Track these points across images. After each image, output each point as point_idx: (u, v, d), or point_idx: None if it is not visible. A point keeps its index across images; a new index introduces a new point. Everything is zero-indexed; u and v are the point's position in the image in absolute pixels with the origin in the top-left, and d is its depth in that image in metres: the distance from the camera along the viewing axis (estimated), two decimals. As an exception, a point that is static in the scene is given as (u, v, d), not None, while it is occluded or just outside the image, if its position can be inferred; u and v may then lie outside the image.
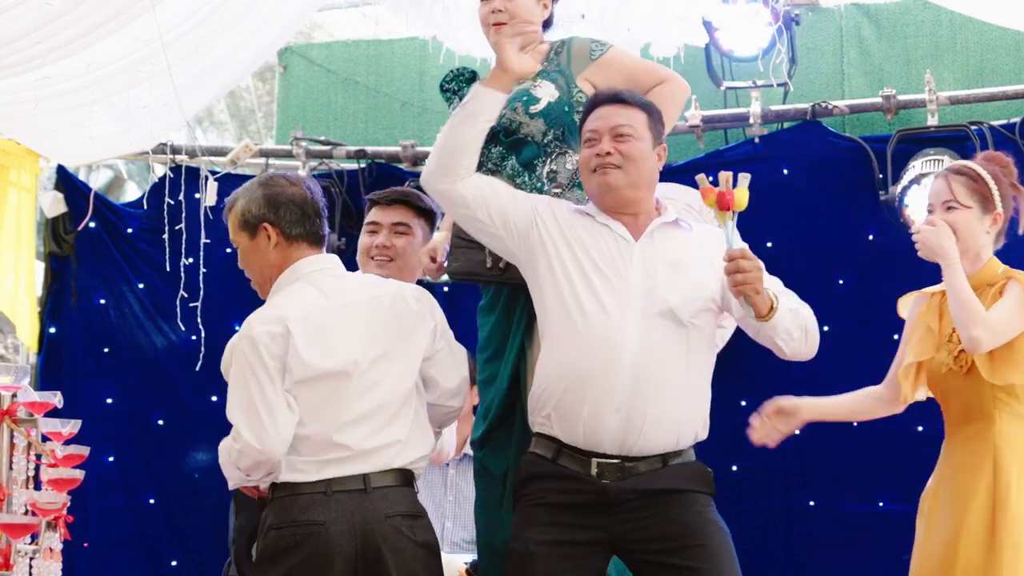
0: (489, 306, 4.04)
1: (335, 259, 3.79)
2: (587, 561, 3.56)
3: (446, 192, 3.74)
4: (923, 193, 5.75)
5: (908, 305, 4.37)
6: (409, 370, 3.67)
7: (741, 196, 3.50)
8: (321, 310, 3.59)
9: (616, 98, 3.70)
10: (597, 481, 3.55)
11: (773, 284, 3.64)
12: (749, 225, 6.11)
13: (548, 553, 3.53)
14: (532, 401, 3.70)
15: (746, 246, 3.48)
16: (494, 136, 3.91)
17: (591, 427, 3.55)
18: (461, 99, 3.89)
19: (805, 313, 3.66)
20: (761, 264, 3.50)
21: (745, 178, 3.51)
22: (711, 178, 3.52)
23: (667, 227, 3.71)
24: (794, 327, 3.59)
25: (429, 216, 4.41)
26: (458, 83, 4.13)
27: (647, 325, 3.56)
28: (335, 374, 3.54)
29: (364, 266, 4.38)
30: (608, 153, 3.62)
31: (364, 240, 4.42)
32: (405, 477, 3.62)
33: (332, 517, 3.43)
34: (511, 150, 3.93)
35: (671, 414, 3.56)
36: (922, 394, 4.30)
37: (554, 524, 3.56)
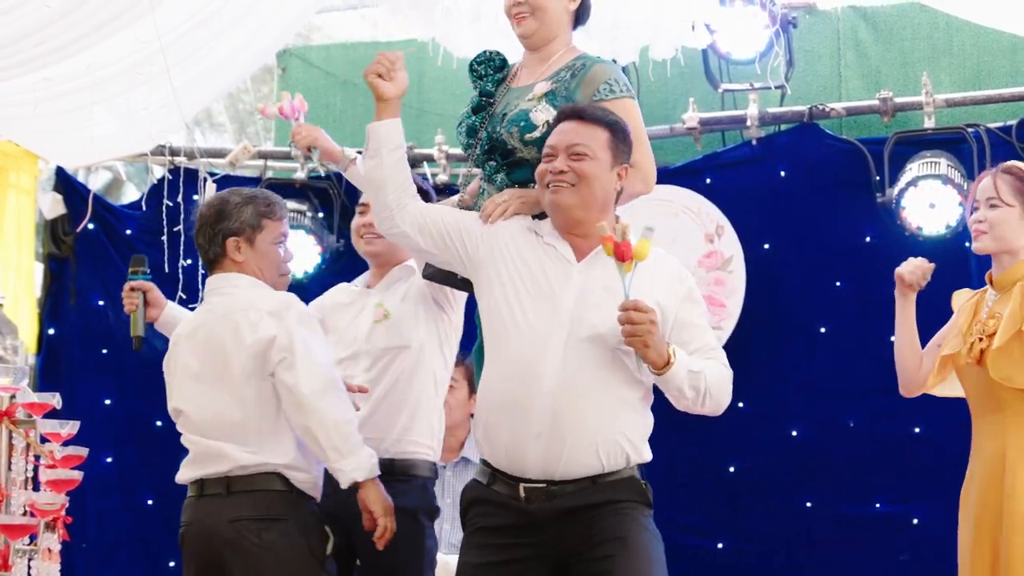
0: None
1: (213, 281, 4.03)
2: None
3: (388, 229, 3.77)
4: (920, 195, 5.76)
5: (960, 299, 4.35)
6: (234, 395, 3.83)
7: (643, 248, 3.43)
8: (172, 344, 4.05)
9: (578, 114, 3.63)
10: (525, 505, 3.54)
11: (703, 338, 3.62)
12: (747, 227, 6.19)
13: (486, 567, 3.56)
14: (473, 423, 3.74)
15: (641, 300, 3.41)
16: (491, 150, 3.90)
17: (513, 453, 3.54)
18: (481, 78, 3.98)
19: (711, 375, 3.58)
20: (654, 318, 3.42)
21: (650, 231, 3.47)
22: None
23: None
24: (688, 388, 3.52)
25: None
26: (486, 67, 4.07)
27: (572, 350, 3.52)
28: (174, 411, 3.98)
29: (356, 245, 4.47)
30: (562, 171, 3.56)
31: (354, 221, 4.46)
32: (253, 483, 3.80)
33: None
34: (502, 167, 3.91)
35: (594, 440, 3.51)
36: (939, 390, 4.29)
37: (488, 546, 3.58)
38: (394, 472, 4.17)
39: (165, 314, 4.35)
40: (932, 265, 4.26)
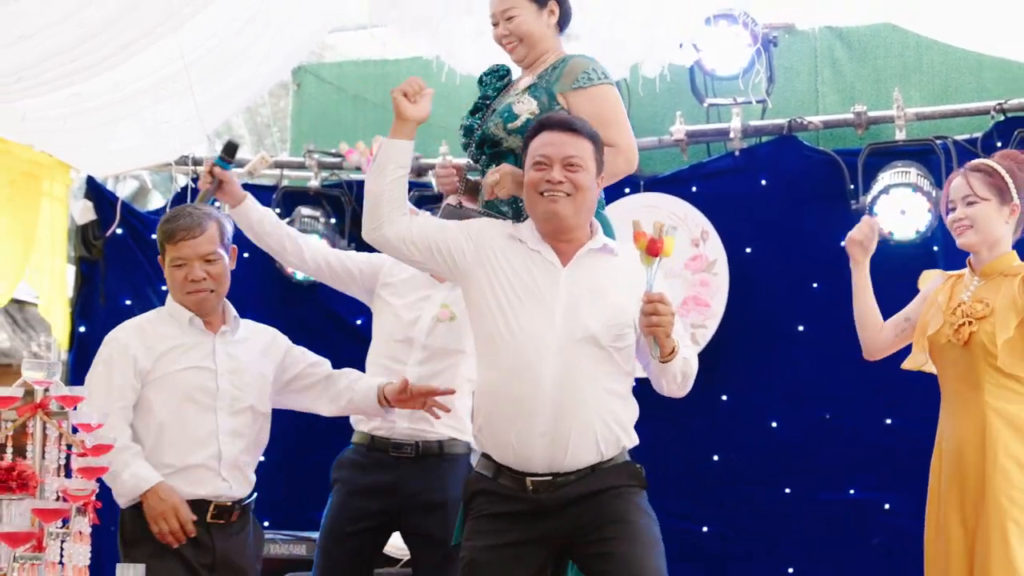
0: None
1: None
2: (525, 559, 3.58)
3: (374, 238, 3.74)
4: (892, 202, 5.78)
5: (930, 279, 4.38)
6: None
7: (669, 245, 3.46)
8: None
9: (569, 126, 3.63)
10: (532, 495, 3.57)
11: (678, 328, 3.63)
12: (730, 232, 6.19)
13: (488, 557, 3.58)
14: (472, 419, 3.74)
15: (664, 292, 3.46)
16: (482, 144, 3.92)
17: (520, 451, 3.56)
18: (487, 89, 4.01)
19: (692, 361, 3.65)
20: (675, 311, 3.48)
21: (673, 230, 3.49)
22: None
23: (595, 253, 3.66)
24: (679, 373, 3.59)
25: None
26: (491, 76, 4.11)
27: (569, 351, 3.54)
28: None
29: None
30: (560, 182, 3.56)
31: None
32: None
33: None
34: (493, 160, 3.92)
35: (593, 433, 3.55)
36: (927, 365, 4.30)
37: (493, 531, 3.60)
38: (442, 453, 4.37)
39: (243, 207, 4.41)
40: (877, 220, 4.34)
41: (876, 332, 4.34)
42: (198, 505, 3.97)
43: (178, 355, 4.07)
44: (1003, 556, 3.87)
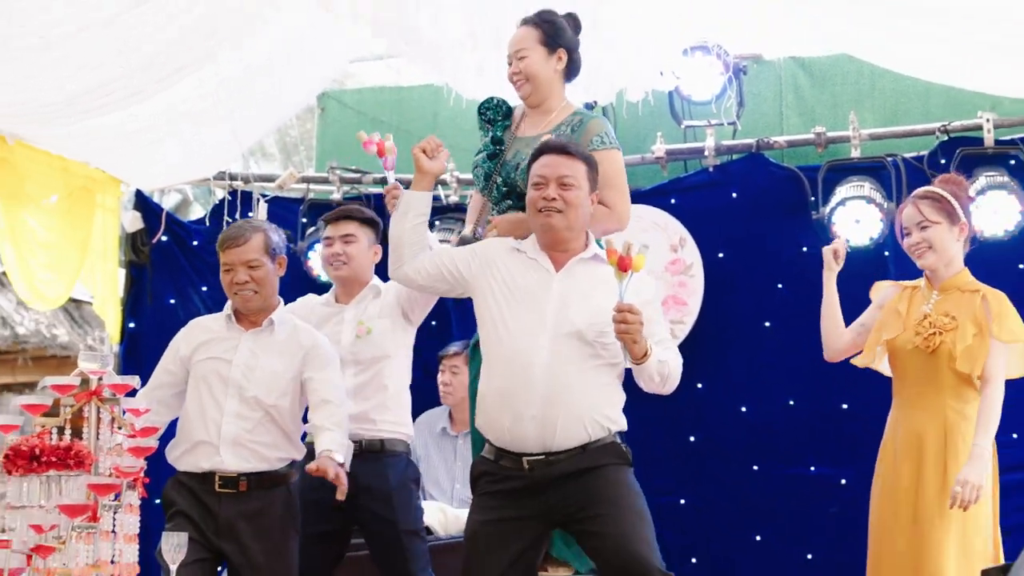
0: None
1: None
2: (521, 532, 3.60)
3: (398, 276, 3.85)
4: (848, 213, 5.78)
5: (882, 289, 4.41)
6: None
7: (639, 261, 3.50)
8: None
9: (564, 150, 3.68)
10: (528, 473, 3.59)
11: (656, 325, 3.66)
12: (706, 239, 6.19)
13: (488, 530, 3.62)
14: (476, 411, 3.76)
15: (633, 304, 3.47)
16: (508, 194, 3.94)
17: (515, 432, 3.59)
18: (490, 122, 4.03)
19: (672, 364, 3.65)
20: (642, 319, 3.49)
21: (645, 248, 3.52)
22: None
23: (585, 262, 3.70)
24: (656, 374, 3.60)
25: (372, 225, 4.62)
26: (494, 113, 4.11)
27: (557, 344, 3.58)
28: None
29: (326, 271, 4.73)
30: (553, 199, 3.61)
31: (323, 251, 4.65)
32: None
33: None
34: (517, 206, 3.93)
35: (579, 416, 3.57)
36: (877, 363, 4.35)
37: (495, 507, 3.63)
38: (384, 450, 4.38)
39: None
40: (844, 240, 4.42)
41: (838, 335, 4.37)
42: (206, 477, 4.07)
43: (210, 347, 4.19)
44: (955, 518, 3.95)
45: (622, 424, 3.68)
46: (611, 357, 3.63)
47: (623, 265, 3.48)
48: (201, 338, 4.22)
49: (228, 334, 4.20)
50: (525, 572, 3.64)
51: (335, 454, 3.93)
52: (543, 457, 3.58)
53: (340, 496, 3.84)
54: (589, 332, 3.59)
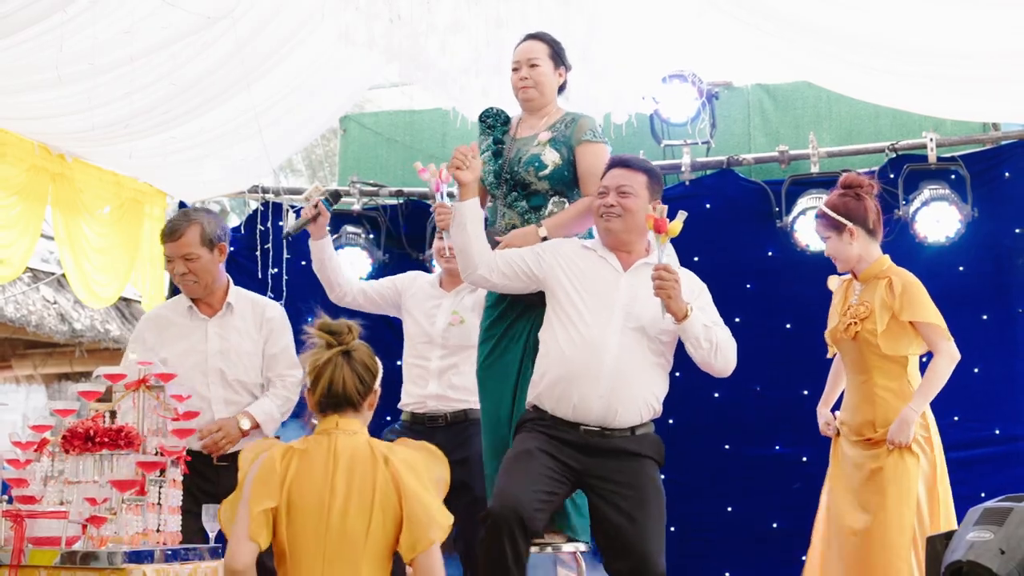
0: (496, 302, 4.03)
1: None
2: (559, 476, 3.52)
3: (473, 279, 3.76)
4: (808, 222, 5.76)
5: (835, 281, 4.46)
6: None
7: (675, 226, 3.52)
8: None
9: (624, 163, 3.73)
10: (583, 437, 3.57)
11: (707, 310, 3.66)
12: (684, 245, 6.06)
13: (529, 447, 3.53)
14: (532, 387, 3.68)
15: (671, 263, 3.46)
16: (513, 187, 3.92)
17: (580, 408, 3.57)
18: (490, 127, 4.00)
19: (721, 334, 3.63)
20: (679, 277, 3.48)
21: (682, 215, 3.51)
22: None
23: (648, 265, 3.67)
24: (703, 339, 3.57)
25: None
26: (494, 119, 4.10)
27: (625, 336, 3.58)
28: None
29: (437, 262, 4.65)
30: (611, 206, 3.64)
31: (436, 244, 4.58)
32: None
33: None
34: (523, 197, 3.94)
35: (637, 400, 3.57)
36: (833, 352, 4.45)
37: (547, 439, 3.56)
38: (469, 419, 4.36)
39: (322, 242, 4.36)
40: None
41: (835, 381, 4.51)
42: (202, 455, 3.93)
43: (178, 337, 4.05)
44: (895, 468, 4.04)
45: (660, 410, 3.69)
46: (665, 353, 3.66)
47: (659, 227, 3.50)
48: (167, 328, 4.05)
49: (193, 323, 4.07)
50: (548, 495, 3.48)
51: (243, 419, 3.90)
52: (599, 430, 3.56)
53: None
54: (652, 328, 3.60)
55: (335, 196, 4.40)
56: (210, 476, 3.95)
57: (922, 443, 4.08)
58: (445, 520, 2.86)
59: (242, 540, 2.80)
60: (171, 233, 4.02)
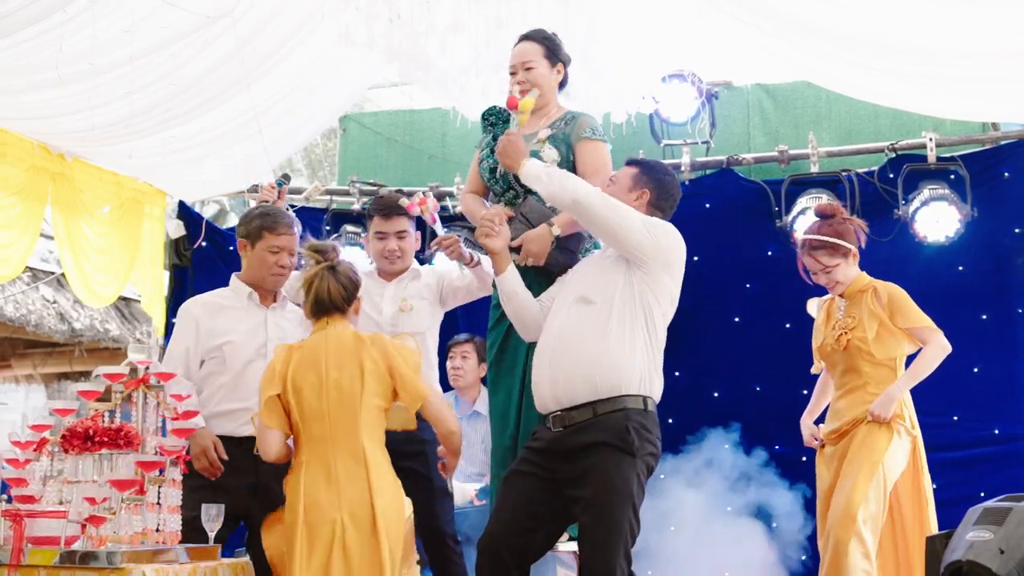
0: (498, 303, 4.01)
1: None
2: (539, 496, 3.47)
3: (520, 331, 3.75)
4: (807, 221, 5.75)
5: (814, 305, 4.63)
6: None
7: (526, 103, 3.67)
8: None
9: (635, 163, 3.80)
10: (551, 431, 3.49)
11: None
12: (684, 245, 6.14)
13: (511, 478, 3.54)
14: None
15: (515, 134, 3.65)
16: (512, 184, 3.93)
17: (539, 397, 3.55)
18: (492, 125, 4.02)
19: (580, 186, 3.54)
20: (513, 139, 3.63)
21: (534, 92, 3.75)
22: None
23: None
24: (544, 174, 3.57)
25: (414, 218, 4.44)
26: (496, 117, 4.10)
27: (570, 310, 3.54)
28: None
29: (380, 264, 4.39)
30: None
31: (376, 246, 4.37)
32: None
33: None
34: (521, 193, 3.94)
35: (581, 368, 3.41)
36: (819, 368, 4.60)
37: (530, 454, 3.55)
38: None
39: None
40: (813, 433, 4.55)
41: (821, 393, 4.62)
42: (245, 441, 3.83)
43: (236, 322, 4.02)
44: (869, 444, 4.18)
45: (640, 386, 3.42)
46: (634, 319, 3.47)
47: (511, 103, 3.62)
48: (223, 314, 4.03)
49: (252, 311, 4.05)
50: (528, 519, 3.45)
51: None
52: (560, 415, 3.44)
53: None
54: (595, 294, 3.50)
55: (286, 178, 4.57)
56: (247, 468, 3.84)
57: (898, 427, 4.17)
58: (426, 389, 3.49)
59: (264, 431, 3.45)
60: (290, 226, 4.06)
